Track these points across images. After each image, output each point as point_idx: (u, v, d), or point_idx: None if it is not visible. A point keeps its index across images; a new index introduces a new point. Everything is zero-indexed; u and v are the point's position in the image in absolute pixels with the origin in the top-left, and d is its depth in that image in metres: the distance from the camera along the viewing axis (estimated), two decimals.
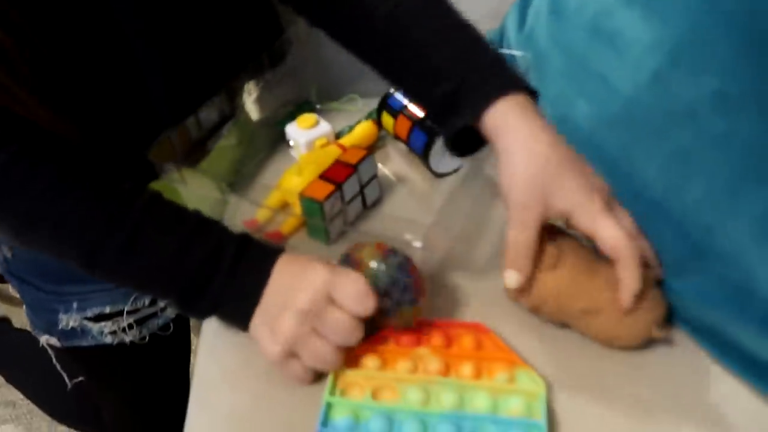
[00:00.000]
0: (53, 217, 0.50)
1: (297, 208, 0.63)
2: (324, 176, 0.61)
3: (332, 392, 0.48)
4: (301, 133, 0.70)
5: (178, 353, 0.88)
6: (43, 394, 0.92)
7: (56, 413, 0.93)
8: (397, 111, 0.71)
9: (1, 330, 0.86)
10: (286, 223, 0.64)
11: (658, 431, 0.45)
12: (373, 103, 0.75)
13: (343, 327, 0.46)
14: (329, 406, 0.47)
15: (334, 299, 0.47)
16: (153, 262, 0.50)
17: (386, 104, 0.72)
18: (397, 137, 0.72)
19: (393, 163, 0.72)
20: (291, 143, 0.72)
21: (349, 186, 0.61)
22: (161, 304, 0.74)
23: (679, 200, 0.53)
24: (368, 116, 0.76)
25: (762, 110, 0.49)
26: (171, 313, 0.76)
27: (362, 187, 0.63)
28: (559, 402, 0.48)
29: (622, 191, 0.57)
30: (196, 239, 0.50)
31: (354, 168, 0.62)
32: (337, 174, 0.61)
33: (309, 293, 0.47)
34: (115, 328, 0.73)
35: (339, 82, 0.81)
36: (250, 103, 0.75)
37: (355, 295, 0.46)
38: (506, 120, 0.50)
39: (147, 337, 0.76)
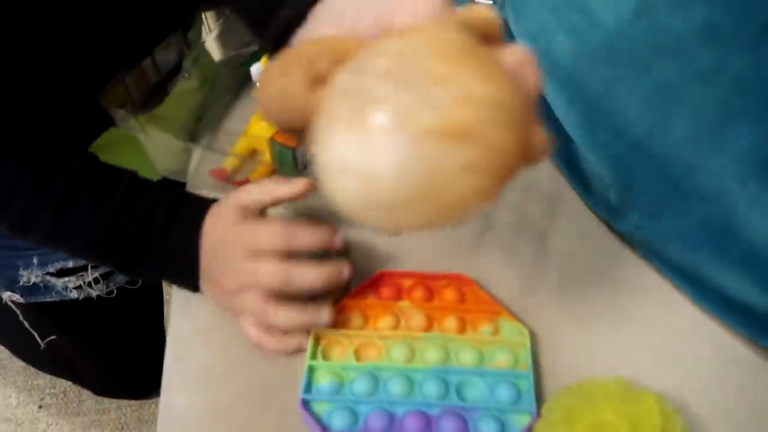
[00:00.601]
0: None
1: (267, 156, 0.59)
2: None
3: (314, 356, 0.46)
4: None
5: (150, 305, 0.87)
6: (19, 349, 0.90)
7: (35, 365, 0.92)
8: None
9: None
10: (256, 172, 0.60)
11: (639, 373, 0.45)
12: None
13: (273, 273, 0.45)
14: (311, 370, 0.46)
15: (258, 251, 0.46)
16: (85, 233, 0.49)
17: None
18: None
19: None
20: (257, 85, 0.68)
21: None
22: None
23: (661, 138, 0.51)
24: None
25: (752, 43, 0.46)
26: None
27: None
28: (543, 350, 0.48)
29: (603, 130, 0.55)
30: (128, 207, 0.49)
31: None
32: None
33: (237, 251, 0.46)
34: (80, 282, 0.71)
35: None
36: (211, 40, 0.70)
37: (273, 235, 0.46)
38: None
39: (114, 291, 0.74)
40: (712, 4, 0.47)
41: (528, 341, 0.46)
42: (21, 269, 0.68)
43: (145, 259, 0.49)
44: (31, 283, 0.69)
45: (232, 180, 0.61)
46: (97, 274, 0.71)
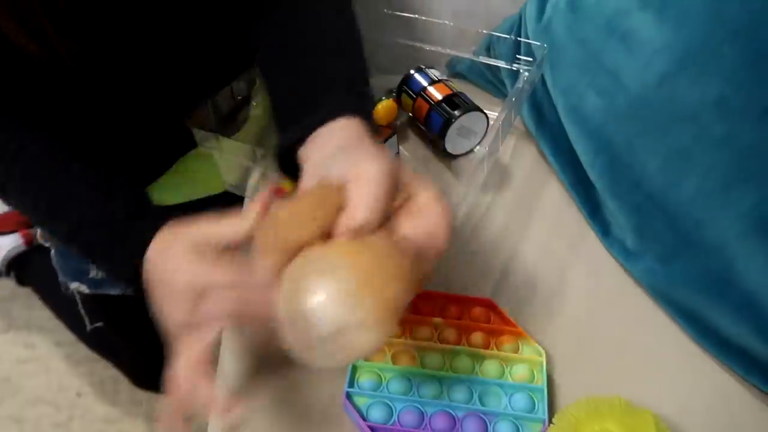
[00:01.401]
0: None
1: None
2: None
3: None
4: None
5: None
6: (69, 323, 0.97)
7: (84, 341, 0.98)
8: (416, 93, 0.75)
9: (42, 253, 0.91)
10: None
11: (639, 396, 0.51)
12: (394, 81, 0.78)
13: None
14: (355, 369, 0.53)
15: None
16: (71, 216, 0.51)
17: (406, 85, 0.76)
18: (414, 117, 0.76)
19: (410, 142, 0.77)
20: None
21: None
22: None
23: (674, 194, 0.58)
24: (389, 94, 0.80)
25: (759, 118, 0.54)
26: None
27: None
28: (557, 369, 0.54)
29: (623, 181, 0.62)
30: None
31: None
32: None
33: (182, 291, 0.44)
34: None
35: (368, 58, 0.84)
36: None
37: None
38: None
39: None
40: (726, 81, 0.55)
41: (544, 360, 0.53)
42: (90, 263, 0.76)
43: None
44: (99, 277, 0.77)
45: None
46: None
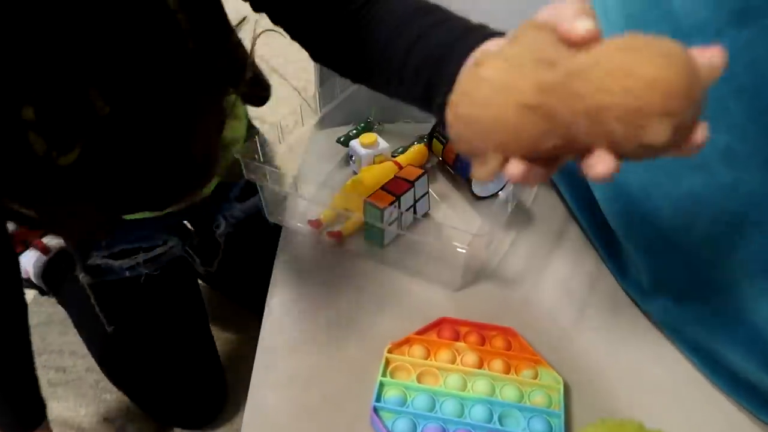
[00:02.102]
0: None
1: (357, 213, 0.72)
2: (385, 188, 0.71)
3: (384, 374, 0.57)
4: (363, 149, 0.80)
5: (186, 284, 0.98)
6: (89, 335, 1.01)
7: (100, 357, 1.01)
8: (447, 139, 0.80)
9: (68, 261, 0.95)
10: (347, 225, 0.73)
11: (651, 422, 0.54)
12: (424, 128, 0.85)
13: None
14: (382, 385, 0.56)
15: None
16: None
17: (437, 132, 0.82)
18: (444, 161, 0.81)
19: (439, 183, 0.82)
20: (353, 157, 0.82)
21: (405, 198, 0.71)
22: (171, 243, 0.88)
23: (687, 237, 0.62)
24: (420, 140, 0.86)
25: (763, 167, 0.58)
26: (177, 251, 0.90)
27: (416, 201, 0.73)
28: (574, 396, 0.57)
29: (639, 224, 0.66)
30: None
31: (411, 184, 0.71)
32: (396, 187, 0.71)
33: None
34: (132, 263, 0.86)
35: (395, 106, 0.91)
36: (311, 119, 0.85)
37: None
38: None
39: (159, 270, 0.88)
40: (732, 133, 0.59)
41: (562, 387, 0.56)
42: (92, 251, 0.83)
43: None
44: (95, 265, 0.83)
45: (326, 230, 0.74)
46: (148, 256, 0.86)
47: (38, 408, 0.77)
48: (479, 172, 0.35)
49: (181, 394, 0.98)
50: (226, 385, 1.01)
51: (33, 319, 1.09)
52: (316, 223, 0.74)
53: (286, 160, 0.80)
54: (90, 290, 0.91)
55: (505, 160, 0.34)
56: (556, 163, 0.36)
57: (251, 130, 0.94)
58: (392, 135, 0.88)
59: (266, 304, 0.68)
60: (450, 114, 0.36)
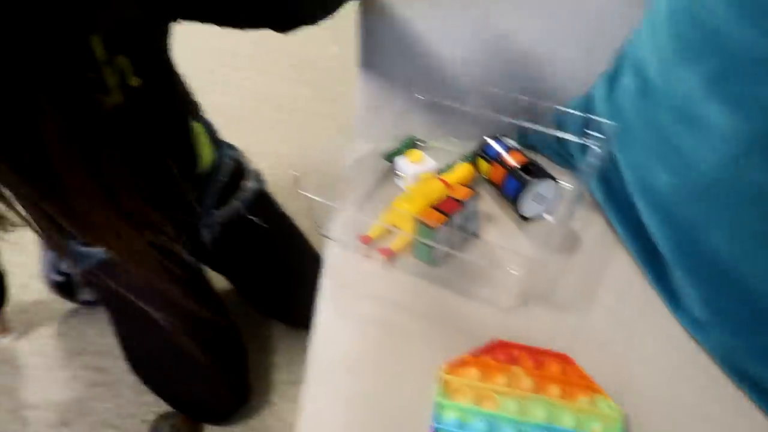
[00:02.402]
0: None
1: (406, 230, 0.73)
2: (437, 207, 0.71)
3: (441, 395, 0.57)
4: (410, 166, 0.80)
5: None
6: (118, 334, 1.03)
7: (128, 354, 1.04)
8: (493, 158, 0.81)
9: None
10: (396, 242, 0.74)
11: None
12: (469, 145, 0.85)
13: None
14: (440, 406, 0.57)
15: None
16: None
17: (482, 151, 0.82)
18: (490, 181, 0.82)
19: (485, 203, 0.82)
20: (399, 174, 0.82)
21: (456, 218, 0.71)
22: None
23: (746, 270, 0.62)
24: (465, 158, 0.86)
25: None
26: None
27: (466, 220, 0.73)
28: (632, 425, 0.57)
29: (694, 255, 0.66)
30: None
31: (462, 204, 0.72)
32: (448, 207, 0.71)
33: None
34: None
35: (440, 124, 0.92)
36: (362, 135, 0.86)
37: None
38: None
39: None
40: None
41: (620, 417, 0.56)
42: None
43: None
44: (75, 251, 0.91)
45: (376, 246, 0.75)
46: None
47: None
48: None
49: (204, 385, 1.00)
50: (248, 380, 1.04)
51: (73, 319, 1.12)
52: (366, 239, 0.75)
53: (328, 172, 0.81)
54: (82, 277, 0.96)
55: None
56: None
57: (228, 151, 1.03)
58: (436, 152, 0.89)
59: (314, 320, 0.69)
60: None
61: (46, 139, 0.63)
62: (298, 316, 1.11)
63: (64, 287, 1.09)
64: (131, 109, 0.73)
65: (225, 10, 0.75)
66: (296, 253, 1.10)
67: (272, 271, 1.08)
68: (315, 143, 1.60)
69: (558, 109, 0.87)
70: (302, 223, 1.13)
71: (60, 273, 1.05)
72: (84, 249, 0.95)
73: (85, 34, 0.65)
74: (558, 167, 0.88)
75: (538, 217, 0.79)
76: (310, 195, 0.72)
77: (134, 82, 0.72)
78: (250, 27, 0.79)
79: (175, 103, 0.88)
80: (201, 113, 1.01)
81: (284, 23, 0.80)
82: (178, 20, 0.75)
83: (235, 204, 1.03)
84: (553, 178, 0.78)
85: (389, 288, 0.71)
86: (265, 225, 1.05)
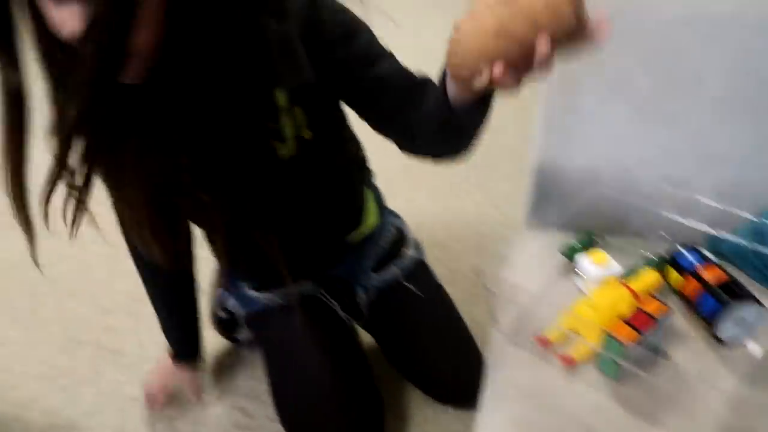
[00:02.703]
0: None
1: (590, 339, 0.70)
2: (629, 321, 0.67)
3: None
4: (594, 268, 0.77)
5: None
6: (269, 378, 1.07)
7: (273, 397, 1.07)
8: (686, 270, 0.76)
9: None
10: (578, 351, 0.71)
11: None
12: (651, 246, 0.81)
13: None
14: None
15: None
16: None
17: (673, 259, 0.78)
18: (681, 294, 0.77)
19: (674, 317, 0.77)
20: (580, 273, 0.80)
21: (649, 336, 0.67)
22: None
23: None
24: (651, 263, 0.82)
25: None
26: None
27: (657, 339, 0.69)
28: None
29: None
30: None
31: (656, 321, 0.68)
32: (641, 322, 0.67)
33: None
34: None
35: (622, 222, 0.88)
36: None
37: None
38: None
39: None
40: None
41: None
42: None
43: None
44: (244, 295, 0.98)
45: (554, 352, 0.72)
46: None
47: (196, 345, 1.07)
48: (480, 81, 0.53)
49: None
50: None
51: (228, 357, 1.17)
52: (544, 342, 0.73)
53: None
54: (245, 321, 1.02)
55: (490, 71, 0.52)
56: (525, 68, 0.52)
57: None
58: (615, 249, 0.85)
59: (478, 417, 0.67)
60: (449, 57, 0.55)
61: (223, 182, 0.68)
62: (441, 390, 1.10)
63: (227, 325, 1.16)
64: (304, 161, 0.76)
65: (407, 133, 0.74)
66: (449, 328, 1.09)
67: (422, 340, 1.08)
68: (468, 214, 1.60)
69: (757, 220, 0.81)
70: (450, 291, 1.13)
71: (226, 311, 1.11)
72: (252, 293, 1.01)
73: (272, 87, 0.69)
74: (756, 284, 0.81)
75: (735, 341, 0.73)
76: (493, 289, 0.72)
77: (307, 134, 0.74)
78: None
79: (344, 162, 0.91)
80: (373, 180, 1.05)
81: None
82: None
83: (394, 270, 1.06)
84: (758, 301, 0.71)
85: (568, 399, 0.68)
86: (421, 294, 1.06)
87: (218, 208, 0.71)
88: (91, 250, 1.47)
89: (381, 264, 1.05)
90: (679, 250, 0.78)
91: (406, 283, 1.06)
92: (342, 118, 0.84)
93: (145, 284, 0.99)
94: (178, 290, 1.01)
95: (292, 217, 0.83)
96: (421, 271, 1.10)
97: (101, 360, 1.26)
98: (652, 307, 0.69)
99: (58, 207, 0.62)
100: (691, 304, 0.75)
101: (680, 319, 0.76)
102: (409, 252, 1.08)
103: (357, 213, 0.98)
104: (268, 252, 0.77)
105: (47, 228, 0.64)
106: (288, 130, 0.72)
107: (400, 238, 1.08)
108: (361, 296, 1.06)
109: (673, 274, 0.77)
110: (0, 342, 1.31)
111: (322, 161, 0.81)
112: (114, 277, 1.45)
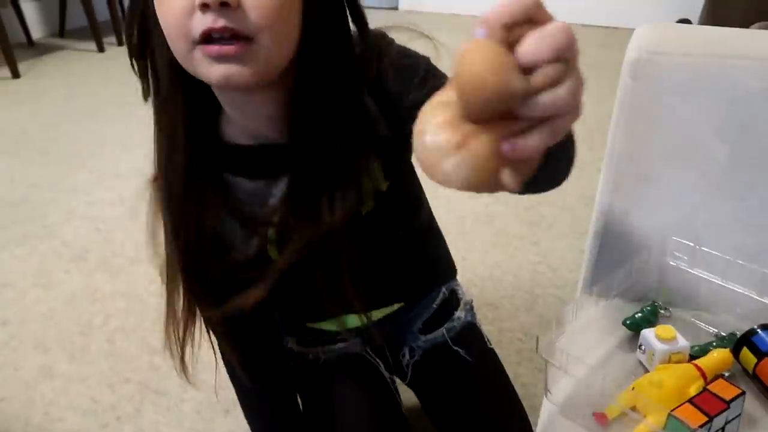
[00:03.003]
0: None
1: (651, 420, 0.64)
2: (695, 403, 0.63)
3: None
4: (659, 344, 0.73)
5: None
6: None
7: None
8: (763, 352, 0.70)
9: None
10: (637, 431, 0.66)
11: None
12: (720, 321, 0.77)
13: None
14: None
15: None
16: None
17: (749, 341, 0.72)
18: (756, 377, 0.71)
19: (746, 401, 0.71)
20: (643, 348, 0.75)
21: (718, 420, 0.62)
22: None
23: None
24: (719, 340, 0.76)
25: None
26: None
27: (726, 423, 0.64)
28: None
29: None
30: None
31: (727, 405, 0.62)
32: (710, 406, 0.62)
33: None
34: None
35: (690, 295, 0.84)
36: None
37: None
38: None
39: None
40: None
41: None
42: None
43: None
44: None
45: (611, 429, 0.67)
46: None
47: None
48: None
49: None
50: None
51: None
52: (603, 419, 0.68)
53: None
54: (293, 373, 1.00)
55: None
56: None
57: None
58: (681, 323, 0.80)
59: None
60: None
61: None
62: None
63: None
64: (381, 215, 0.75)
65: None
66: (496, 395, 1.04)
67: (468, 407, 1.04)
68: (522, 273, 1.56)
69: None
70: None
71: None
72: (296, 348, 1.00)
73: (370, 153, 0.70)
74: None
75: None
76: (547, 357, 0.68)
77: (384, 186, 0.74)
78: None
79: (418, 213, 0.90)
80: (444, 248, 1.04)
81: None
82: None
83: (443, 332, 1.02)
84: None
85: None
86: (469, 359, 1.02)
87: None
88: (150, 290, 1.50)
89: (430, 325, 1.02)
90: (756, 331, 0.73)
91: (455, 347, 1.02)
92: (413, 169, 0.83)
93: (242, 402, 1.02)
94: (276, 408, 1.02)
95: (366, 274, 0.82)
96: (470, 333, 1.06)
97: (144, 399, 1.26)
98: (722, 389, 0.64)
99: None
100: (766, 388, 0.69)
101: (753, 403, 0.71)
102: (460, 314, 1.05)
103: (428, 274, 0.96)
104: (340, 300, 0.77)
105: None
106: (367, 185, 0.73)
107: (453, 299, 1.05)
108: (406, 355, 1.03)
109: (749, 356, 0.72)
110: (51, 375, 1.33)
111: (398, 213, 0.81)
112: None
